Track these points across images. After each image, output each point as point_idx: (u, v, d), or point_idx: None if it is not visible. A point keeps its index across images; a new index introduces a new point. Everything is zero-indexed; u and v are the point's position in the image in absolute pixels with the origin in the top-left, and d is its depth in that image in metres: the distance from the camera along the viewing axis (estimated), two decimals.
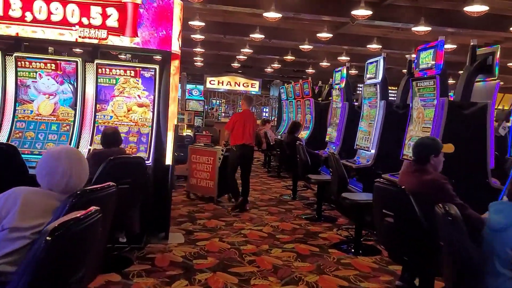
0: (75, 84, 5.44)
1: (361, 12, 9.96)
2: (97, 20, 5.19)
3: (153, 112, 5.45)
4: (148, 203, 5.00)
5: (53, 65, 5.43)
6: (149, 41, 5.24)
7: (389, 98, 6.86)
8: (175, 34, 5.34)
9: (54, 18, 5.15)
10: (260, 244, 5.55)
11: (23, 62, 5.39)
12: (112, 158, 4.07)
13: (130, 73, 5.44)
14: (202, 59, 20.89)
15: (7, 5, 5.11)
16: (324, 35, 13.12)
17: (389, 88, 7.00)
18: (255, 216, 7.06)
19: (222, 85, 23.90)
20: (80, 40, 5.21)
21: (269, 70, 22.72)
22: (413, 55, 6.17)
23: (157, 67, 5.44)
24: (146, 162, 5.06)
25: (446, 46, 5.76)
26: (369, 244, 5.72)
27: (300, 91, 12.30)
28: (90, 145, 5.33)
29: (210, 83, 23.60)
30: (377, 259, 5.19)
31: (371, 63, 7.06)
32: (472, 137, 5.08)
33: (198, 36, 14.38)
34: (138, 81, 5.44)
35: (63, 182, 2.34)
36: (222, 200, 7.94)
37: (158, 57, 5.90)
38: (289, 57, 17.69)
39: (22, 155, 4.74)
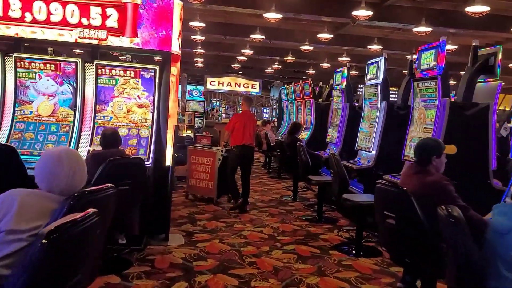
0: (74, 84, 5.41)
1: (362, 12, 9.95)
2: (96, 21, 5.17)
3: (153, 113, 5.42)
4: (148, 204, 4.99)
5: (52, 65, 5.40)
6: (149, 42, 5.22)
7: (390, 99, 6.84)
8: (175, 35, 5.32)
9: (53, 18, 5.14)
10: (261, 246, 5.52)
11: (22, 63, 5.36)
12: (111, 159, 4.04)
13: (130, 73, 5.42)
14: (203, 60, 20.88)
15: (6, 6, 5.09)
16: (325, 35, 13.11)
17: (390, 89, 6.97)
18: (256, 217, 7.03)
19: (223, 86, 23.89)
20: (79, 40, 5.20)
21: (269, 71, 22.70)
22: (414, 56, 6.15)
23: (157, 67, 5.41)
24: (146, 163, 5.04)
25: (447, 46, 5.71)
26: (370, 246, 5.69)
27: (301, 92, 12.28)
28: (90, 146, 5.30)
29: (210, 84, 23.59)
30: (378, 260, 5.16)
31: (372, 63, 7.03)
32: (474, 138, 5.06)
33: (198, 37, 14.37)
34: (138, 81, 5.42)
35: (64, 184, 2.31)
36: (221, 201, 7.90)
37: (158, 58, 5.88)
38: (289, 58, 17.68)
39: (22, 156, 4.70)
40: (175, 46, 5.38)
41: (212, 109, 24.33)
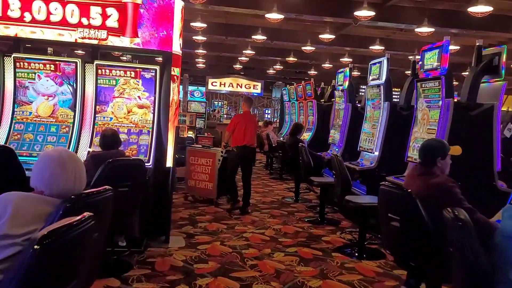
0: (74, 85, 5.36)
1: (364, 13, 9.90)
2: (97, 21, 5.11)
3: (153, 113, 5.37)
4: (148, 206, 4.94)
5: (52, 66, 5.35)
6: (150, 42, 5.17)
7: (393, 100, 6.78)
8: (176, 35, 5.26)
9: (53, 18, 5.07)
10: (262, 248, 5.46)
11: (21, 63, 5.31)
12: (111, 160, 3.99)
13: (130, 74, 5.36)
14: (204, 60, 20.85)
15: (5, 5, 5.03)
16: (327, 36, 13.07)
17: (393, 89, 6.91)
18: (257, 219, 6.97)
19: (224, 86, 23.84)
20: (79, 40, 5.13)
21: (271, 71, 22.67)
22: (418, 56, 6.09)
23: (157, 68, 5.36)
24: (146, 164, 4.99)
25: (450, 47, 5.66)
26: (373, 248, 5.62)
27: (303, 93, 12.23)
28: (90, 147, 5.25)
29: (212, 84, 23.54)
30: (382, 263, 5.10)
31: (375, 64, 6.97)
32: (478, 138, 5.00)
33: (200, 38, 14.33)
34: (138, 82, 5.36)
35: (65, 186, 2.26)
36: (222, 202, 7.86)
37: (159, 59, 5.82)
38: (291, 59, 17.63)
39: (21, 157, 4.66)
40: (176, 46, 5.32)
41: (214, 110, 24.28)
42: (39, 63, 5.33)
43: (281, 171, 11.92)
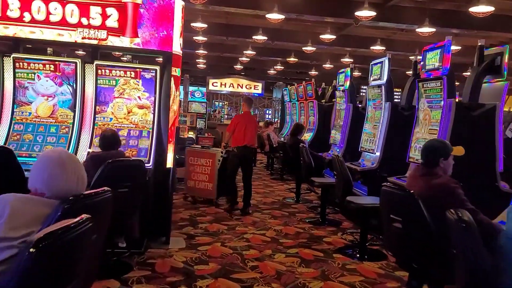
0: (74, 85, 5.34)
1: (365, 13, 9.87)
2: (96, 21, 5.08)
3: (153, 114, 5.34)
4: (148, 206, 4.91)
5: (51, 66, 5.33)
6: (150, 42, 5.14)
7: (394, 100, 6.75)
8: (176, 35, 5.23)
9: (53, 18, 5.04)
10: (263, 249, 5.43)
11: (21, 63, 5.28)
12: (111, 161, 3.96)
13: (130, 74, 5.34)
14: (205, 61, 20.82)
15: (5, 5, 5.00)
16: (327, 36, 13.04)
17: (393, 89, 6.88)
18: (258, 219, 6.94)
19: (225, 87, 23.80)
20: (79, 40, 5.10)
21: (272, 72, 22.64)
22: (419, 57, 6.06)
23: (157, 68, 5.33)
24: (147, 165, 4.96)
25: (451, 47, 5.66)
26: (375, 249, 5.59)
27: (304, 93, 12.20)
28: (90, 147, 5.22)
29: (212, 85, 23.50)
30: (383, 264, 5.06)
31: (376, 64, 6.94)
32: (480, 139, 4.96)
33: (200, 38, 14.31)
34: (139, 82, 5.34)
35: (66, 187, 2.23)
36: (222, 203, 7.83)
37: (159, 59, 5.80)
38: (292, 59, 17.60)
39: (20, 158, 4.64)
40: (176, 46, 5.30)
41: (214, 110, 24.27)
42: (38, 63, 5.30)
43: (282, 172, 11.89)
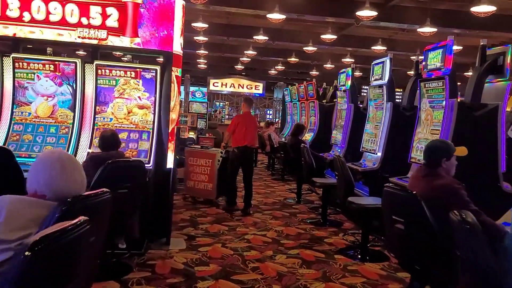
0: (74, 85, 5.31)
1: (366, 13, 9.84)
2: (96, 20, 5.05)
3: (154, 114, 5.31)
4: (149, 207, 4.88)
5: (51, 66, 5.30)
6: (150, 42, 5.11)
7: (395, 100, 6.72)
8: (176, 34, 5.20)
9: (52, 18, 5.02)
10: (264, 250, 5.40)
11: (20, 63, 5.26)
12: (110, 161, 3.93)
13: (131, 74, 5.31)
14: (206, 61, 20.80)
15: (4, 5, 4.97)
16: (328, 36, 13.00)
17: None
18: (259, 220, 6.91)
19: (226, 87, 23.75)
20: (79, 40, 5.07)
21: (273, 72, 22.61)
22: (421, 57, 6.03)
23: (158, 68, 5.31)
24: (147, 165, 4.93)
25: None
26: (376, 250, 5.56)
27: (305, 93, 12.16)
28: (89, 148, 5.19)
29: (213, 85, 23.45)
30: (385, 265, 5.03)
31: (377, 64, 6.90)
32: (483, 139, 4.93)
33: (201, 38, 14.28)
34: (139, 82, 5.31)
35: (65, 188, 2.20)
36: (221, 202, 7.82)
37: (160, 59, 5.77)
38: (293, 59, 17.58)
39: (20, 159, 4.62)
40: (177, 46, 5.27)
41: (215, 111, 24.23)
42: (38, 63, 5.28)
43: (283, 172, 11.86)
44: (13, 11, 4.98)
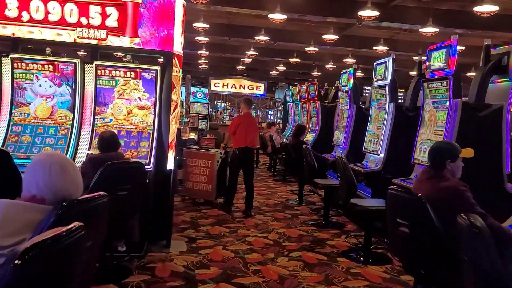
0: (73, 86, 5.25)
1: (368, 13, 9.78)
2: (96, 20, 5.00)
3: (154, 115, 5.26)
4: (149, 209, 4.82)
5: (50, 66, 5.25)
6: (150, 42, 5.05)
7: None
8: (177, 34, 5.15)
9: (51, 18, 4.97)
10: (266, 253, 5.33)
11: (19, 64, 5.21)
12: (110, 163, 3.87)
13: (131, 74, 5.26)
14: (207, 61, 20.76)
15: (3, 5, 4.92)
16: (330, 37, 12.95)
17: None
18: (261, 222, 6.84)
19: (227, 87, 23.69)
20: (78, 40, 5.02)
21: (274, 72, 22.57)
22: (424, 57, 5.97)
23: (158, 68, 5.26)
24: (147, 167, 4.87)
25: None
26: (379, 252, 5.49)
27: (306, 94, 12.11)
28: (89, 149, 5.14)
29: (214, 85, 23.39)
30: (388, 268, 4.96)
31: (380, 64, 6.84)
32: (487, 140, 4.85)
33: (202, 38, 14.23)
34: (139, 82, 5.26)
35: (64, 190, 2.14)
36: (219, 203, 7.78)
37: (161, 59, 5.71)
38: (294, 59, 17.53)
39: (18, 160, 4.57)
40: (177, 46, 5.21)
41: (216, 111, 24.18)
42: (37, 64, 5.23)
43: (285, 173, 11.81)
44: (12, 11, 4.93)
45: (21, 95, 5.23)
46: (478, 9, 9.34)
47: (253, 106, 8.62)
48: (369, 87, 7.58)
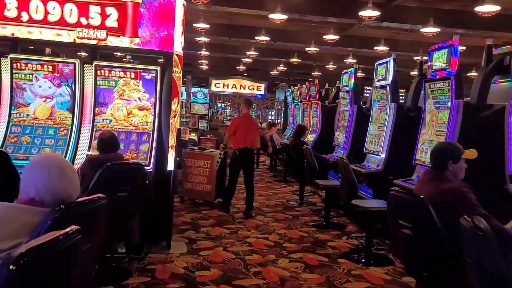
0: (73, 86, 5.22)
1: (369, 13, 9.74)
2: (96, 20, 4.98)
3: (154, 115, 5.23)
4: (149, 210, 4.79)
5: (50, 67, 5.22)
6: (150, 42, 5.03)
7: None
8: (177, 34, 5.12)
9: (51, 18, 4.95)
10: (266, 254, 5.30)
11: (18, 64, 5.18)
12: (109, 164, 3.84)
13: (130, 75, 5.23)
14: (207, 61, 20.72)
15: (2, 5, 4.90)
16: (331, 37, 12.91)
17: None
18: (261, 223, 6.82)
19: (227, 88, 23.66)
20: (78, 41, 5.00)
21: (274, 72, 22.53)
22: (425, 57, 5.94)
23: (158, 68, 5.23)
24: (147, 168, 4.84)
25: None
26: (381, 254, 5.46)
27: (307, 94, 12.08)
28: (89, 150, 5.11)
29: (215, 86, 23.36)
30: (390, 269, 4.93)
31: (381, 64, 6.81)
32: (489, 140, 4.82)
33: (202, 39, 14.19)
34: (139, 83, 5.23)
35: (63, 191, 2.11)
36: (218, 203, 7.76)
37: (161, 60, 5.69)
38: (295, 60, 17.49)
39: (17, 161, 4.55)
40: (178, 46, 5.18)
41: (217, 112, 24.15)
42: (36, 64, 5.20)
43: (285, 174, 11.78)
44: (11, 11, 4.90)
45: (20, 95, 5.20)
46: (479, 9, 9.30)
47: (253, 106, 8.60)
48: (370, 88, 7.54)
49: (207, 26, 12.31)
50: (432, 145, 4.91)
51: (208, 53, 17.20)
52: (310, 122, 11.60)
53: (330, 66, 18.67)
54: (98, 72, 5.22)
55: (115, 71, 5.23)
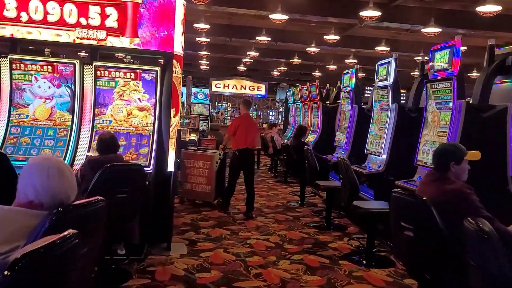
0: (72, 87, 5.20)
1: (370, 13, 9.73)
2: (95, 20, 4.96)
3: (154, 116, 5.20)
4: (149, 212, 4.77)
5: (49, 67, 5.19)
6: (150, 42, 5.00)
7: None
8: (177, 35, 5.10)
9: (50, 18, 4.93)
10: (267, 255, 5.27)
11: (18, 65, 5.15)
12: (109, 165, 3.82)
13: (130, 75, 5.21)
14: (208, 62, 20.72)
15: (1, 5, 4.88)
16: (331, 37, 12.90)
17: None
18: (262, 224, 6.78)
19: (228, 88, 23.62)
20: (78, 41, 4.98)
21: (275, 73, 22.52)
22: (426, 58, 5.91)
23: (158, 69, 5.20)
24: (147, 169, 4.82)
25: None
26: (382, 255, 5.42)
27: (308, 94, 12.05)
28: (88, 151, 5.08)
29: (215, 86, 23.33)
30: (391, 271, 4.89)
31: (382, 64, 6.77)
32: (491, 141, 4.79)
33: (203, 39, 14.18)
34: (139, 83, 5.20)
35: (62, 193, 2.09)
36: (217, 202, 7.74)
37: (161, 60, 5.66)
38: (295, 60, 17.48)
39: (17, 162, 4.53)
40: (178, 47, 5.16)
41: (217, 112, 24.12)
42: (36, 65, 5.17)
43: (286, 175, 11.74)
44: (11, 11, 4.88)
45: (19, 96, 5.18)
46: (480, 9, 9.29)
47: (253, 107, 8.56)
48: (371, 88, 7.52)
49: (208, 26, 12.29)
50: (434, 146, 4.88)
51: (208, 53, 17.18)
52: (310, 123, 11.57)
53: (331, 67, 18.66)
54: (98, 72, 5.20)
55: (115, 72, 5.20)
